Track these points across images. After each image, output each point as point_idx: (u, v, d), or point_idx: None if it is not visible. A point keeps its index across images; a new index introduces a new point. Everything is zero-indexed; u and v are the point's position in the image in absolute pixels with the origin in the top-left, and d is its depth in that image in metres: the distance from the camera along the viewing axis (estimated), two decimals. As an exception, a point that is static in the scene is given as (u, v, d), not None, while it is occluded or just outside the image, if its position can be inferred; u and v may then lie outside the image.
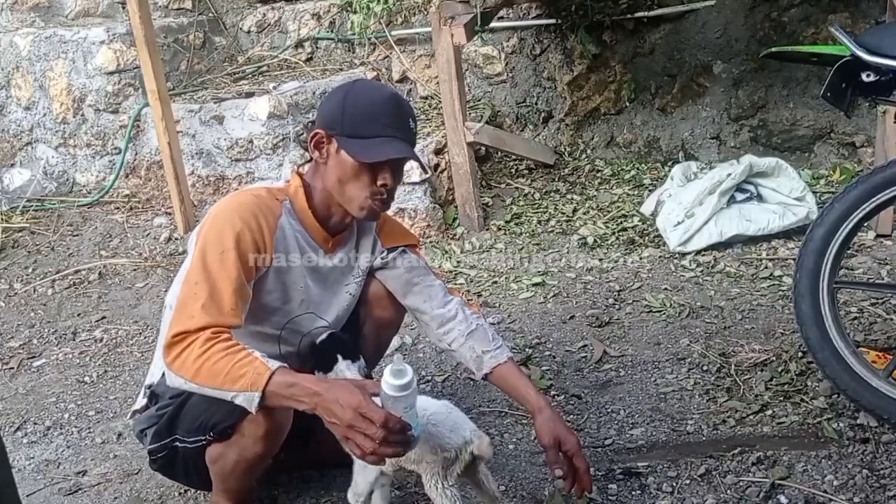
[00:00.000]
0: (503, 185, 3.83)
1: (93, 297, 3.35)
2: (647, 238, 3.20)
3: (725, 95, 3.73)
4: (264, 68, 4.58)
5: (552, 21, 3.91)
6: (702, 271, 2.90)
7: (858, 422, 1.91)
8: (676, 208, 3.09)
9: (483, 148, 3.80)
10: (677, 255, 3.02)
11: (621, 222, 3.35)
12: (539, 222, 3.46)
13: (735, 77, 3.69)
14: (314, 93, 3.99)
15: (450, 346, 1.78)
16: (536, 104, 4.14)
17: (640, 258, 3.05)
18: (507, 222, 3.49)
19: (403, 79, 4.41)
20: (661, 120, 3.89)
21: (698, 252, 3.01)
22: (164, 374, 1.65)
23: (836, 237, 1.88)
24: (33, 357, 2.92)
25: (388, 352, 2.59)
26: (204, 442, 1.60)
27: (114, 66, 4.17)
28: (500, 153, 3.99)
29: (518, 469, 1.90)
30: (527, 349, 2.48)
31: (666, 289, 2.79)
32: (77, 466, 2.17)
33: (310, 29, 4.61)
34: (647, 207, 3.35)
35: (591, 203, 3.56)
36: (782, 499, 1.71)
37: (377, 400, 1.33)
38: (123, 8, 4.55)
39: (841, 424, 1.92)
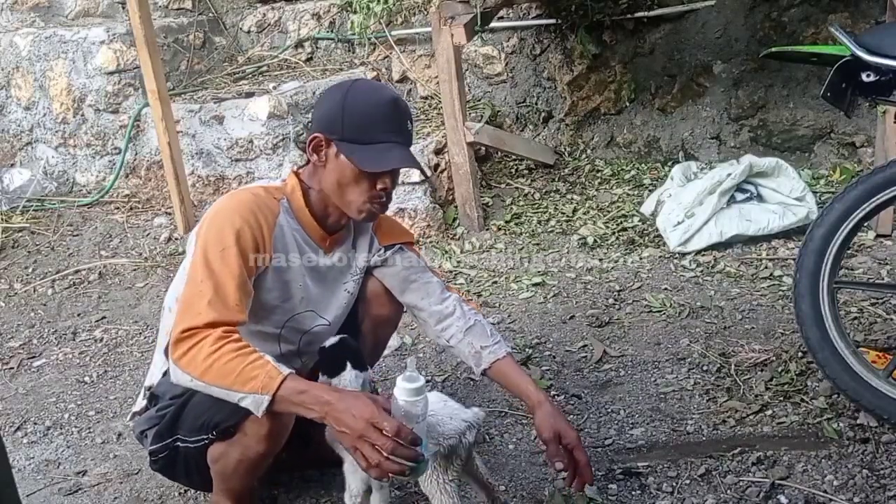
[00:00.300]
0: (503, 185, 3.83)
1: (93, 297, 3.35)
2: (647, 238, 3.20)
3: (725, 95, 3.73)
4: (264, 68, 4.57)
5: (552, 21, 3.91)
6: (702, 271, 2.90)
7: (858, 422, 1.91)
8: (676, 208, 3.09)
9: (483, 148, 3.80)
10: (677, 255, 3.02)
11: (621, 222, 3.35)
12: (539, 222, 3.46)
13: (735, 77, 3.69)
14: (314, 93, 3.99)
15: (448, 342, 1.78)
16: (536, 104, 4.14)
17: (640, 258, 3.05)
18: (507, 222, 3.49)
19: (403, 79, 4.41)
20: (661, 120, 3.89)
21: (698, 252, 3.01)
22: (164, 375, 1.65)
23: (836, 237, 1.88)
24: (33, 357, 2.92)
25: (386, 351, 2.60)
26: (206, 441, 1.60)
27: (114, 66, 4.17)
28: (500, 153, 3.99)
29: (518, 469, 1.90)
30: (527, 349, 2.48)
31: (666, 289, 2.79)
32: (77, 466, 2.17)
33: (310, 29, 4.61)
34: (647, 207, 3.35)
35: (591, 203, 3.56)
36: (782, 499, 1.71)
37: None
38: (123, 8, 4.55)
39: (841, 424, 1.92)
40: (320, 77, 4.24)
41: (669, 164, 3.76)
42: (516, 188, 3.78)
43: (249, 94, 4.01)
